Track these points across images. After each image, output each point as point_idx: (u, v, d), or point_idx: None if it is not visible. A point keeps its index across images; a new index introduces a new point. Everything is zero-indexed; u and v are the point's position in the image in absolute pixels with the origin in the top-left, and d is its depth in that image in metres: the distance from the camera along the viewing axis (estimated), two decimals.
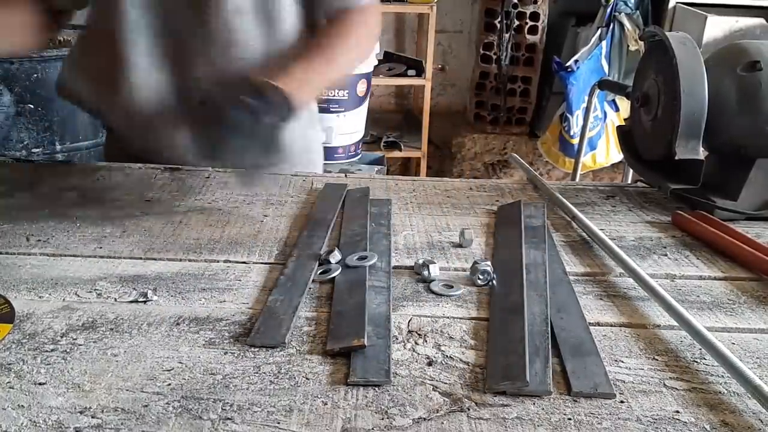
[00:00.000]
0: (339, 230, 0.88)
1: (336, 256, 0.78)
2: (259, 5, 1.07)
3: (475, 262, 0.77)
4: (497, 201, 1.02)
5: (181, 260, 0.80)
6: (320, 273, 0.76)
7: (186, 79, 1.07)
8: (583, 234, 0.91)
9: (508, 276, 0.77)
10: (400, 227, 0.91)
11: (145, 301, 0.70)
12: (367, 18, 1.12)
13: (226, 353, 0.62)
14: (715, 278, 0.81)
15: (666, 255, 0.87)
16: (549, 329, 0.67)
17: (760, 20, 2.60)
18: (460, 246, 0.86)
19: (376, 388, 0.58)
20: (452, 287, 0.75)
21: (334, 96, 2.35)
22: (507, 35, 3.15)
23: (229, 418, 0.54)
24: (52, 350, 0.62)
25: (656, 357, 0.64)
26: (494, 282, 0.76)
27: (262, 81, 0.91)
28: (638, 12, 2.88)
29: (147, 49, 1.05)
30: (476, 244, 0.87)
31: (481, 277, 0.76)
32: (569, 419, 0.55)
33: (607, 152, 2.91)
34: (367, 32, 1.14)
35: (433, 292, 0.74)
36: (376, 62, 2.51)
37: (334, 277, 0.75)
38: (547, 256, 0.82)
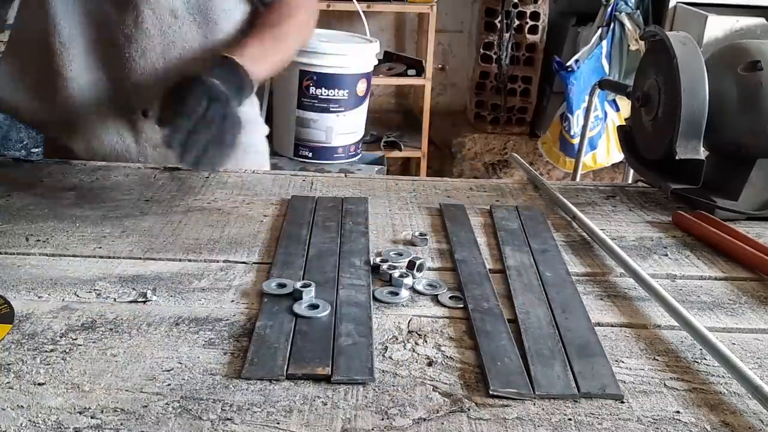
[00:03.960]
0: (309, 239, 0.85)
1: (311, 292, 0.71)
2: (194, 6, 1.08)
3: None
4: (497, 201, 1.02)
5: (180, 260, 0.80)
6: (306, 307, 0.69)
7: (124, 83, 1.08)
8: (584, 234, 0.91)
9: (476, 280, 0.76)
10: (400, 227, 0.91)
11: (144, 302, 0.70)
12: (306, 2, 1.17)
13: (225, 353, 0.62)
14: (715, 278, 0.81)
15: (666, 255, 0.87)
16: (557, 331, 0.67)
17: (761, 20, 2.60)
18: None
19: (377, 388, 0.58)
20: (437, 287, 0.75)
21: (334, 96, 2.35)
22: (507, 35, 3.15)
23: (228, 419, 0.54)
24: (52, 350, 0.61)
25: (657, 357, 0.64)
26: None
27: (222, 55, 0.97)
28: (639, 11, 2.87)
29: (83, 57, 1.06)
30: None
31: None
32: (569, 419, 0.55)
33: (608, 152, 2.90)
34: (307, 16, 1.17)
35: (418, 292, 0.74)
36: (376, 62, 2.50)
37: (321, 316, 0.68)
38: (533, 259, 0.82)
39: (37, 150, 2.29)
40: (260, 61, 1.02)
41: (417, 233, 0.87)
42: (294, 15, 1.13)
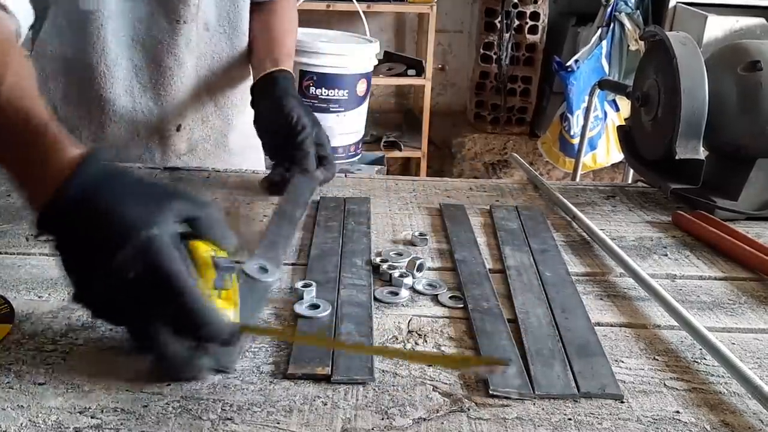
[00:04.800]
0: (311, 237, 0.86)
1: (312, 292, 0.71)
2: (225, 18, 1.08)
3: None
4: (497, 201, 1.02)
5: None
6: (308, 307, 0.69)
7: (164, 104, 1.09)
8: (584, 234, 0.91)
9: (476, 280, 0.76)
10: (400, 227, 0.91)
11: None
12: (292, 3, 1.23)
13: None
14: (715, 278, 0.81)
15: (666, 255, 0.87)
16: (557, 331, 0.67)
17: (761, 20, 2.60)
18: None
19: (377, 388, 0.58)
20: (437, 287, 0.75)
21: (334, 96, 2.35)
22: (507, 35, 3.15)
23: (228, 419, 0.54)
24: (52, 350, 0.61)
25: (657, 357, 0.64)
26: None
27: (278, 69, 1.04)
28: (639, 11, 2.88)
29: (127, 81, 1.05)
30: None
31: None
32: (569, 419, 0.55)
33: (608, 152, 2.91)
34: (296, 13, 1.24)
35: (418, 292, 0.74)
36: (376, 62, 2.50)
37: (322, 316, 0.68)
38: (533, 259, 0.82)
39: None
40: (289, 60, 1.10)
41: (417, 233, 0.87)
42: (290, 18, 1.18)
